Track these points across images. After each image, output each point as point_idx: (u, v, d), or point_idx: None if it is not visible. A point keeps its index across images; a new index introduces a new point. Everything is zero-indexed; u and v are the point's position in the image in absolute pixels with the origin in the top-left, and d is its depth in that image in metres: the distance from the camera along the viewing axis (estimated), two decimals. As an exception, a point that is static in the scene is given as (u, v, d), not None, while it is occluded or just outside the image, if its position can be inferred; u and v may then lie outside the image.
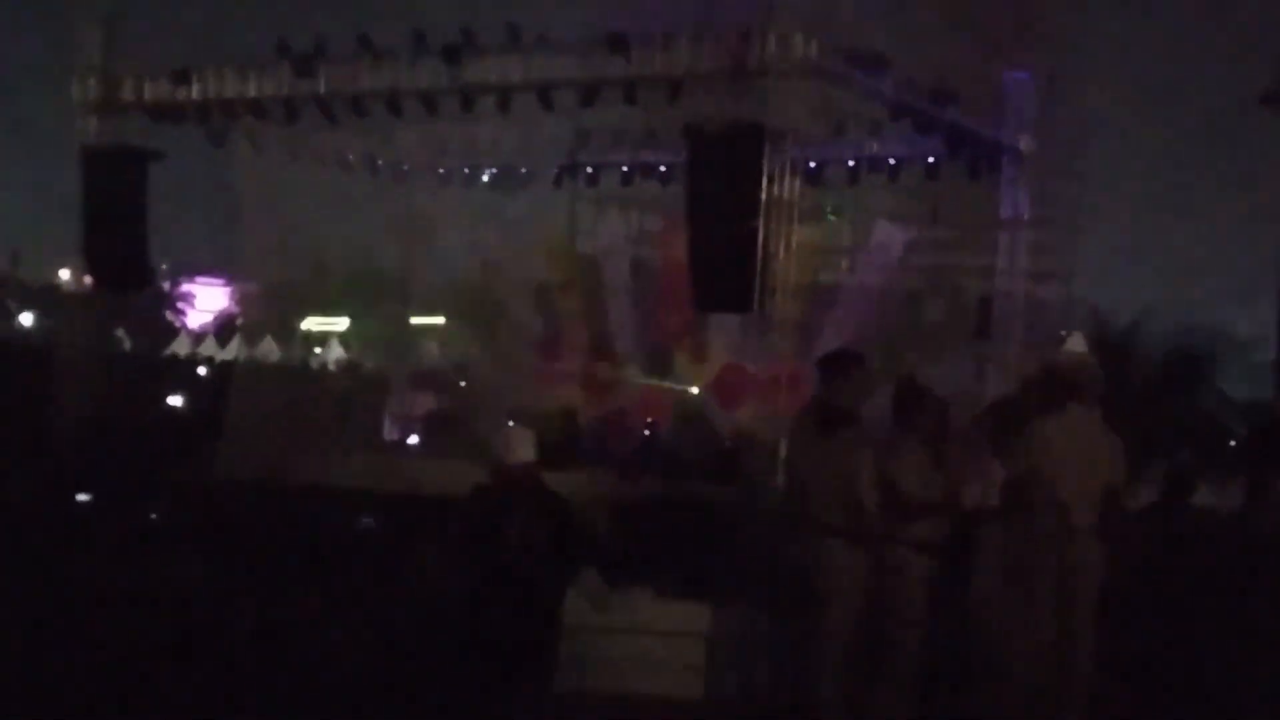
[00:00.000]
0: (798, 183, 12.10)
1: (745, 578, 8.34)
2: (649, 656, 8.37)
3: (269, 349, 24.06)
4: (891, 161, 15.23)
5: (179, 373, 27.84)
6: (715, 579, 8.71)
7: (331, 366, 28.85)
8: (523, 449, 6.21)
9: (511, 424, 7.43)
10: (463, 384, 20.11)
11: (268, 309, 21.77)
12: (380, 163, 17.66)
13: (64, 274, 29.02)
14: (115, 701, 6.50)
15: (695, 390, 17.06)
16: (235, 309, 47.04)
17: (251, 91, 14.58)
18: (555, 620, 6.44)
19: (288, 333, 23.14)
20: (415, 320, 21.61)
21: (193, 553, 9.91)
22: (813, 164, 14.45)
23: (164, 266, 42.05)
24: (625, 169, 16.86)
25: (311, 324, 24.54)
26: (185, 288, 56.54)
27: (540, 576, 6.12)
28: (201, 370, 27.91)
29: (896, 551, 6.87)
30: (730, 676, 8.17)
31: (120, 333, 31.78)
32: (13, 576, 8.75)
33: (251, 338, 23.91)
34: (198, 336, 44.39)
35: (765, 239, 11.47)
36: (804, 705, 7.15)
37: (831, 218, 17.64)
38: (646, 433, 16.65)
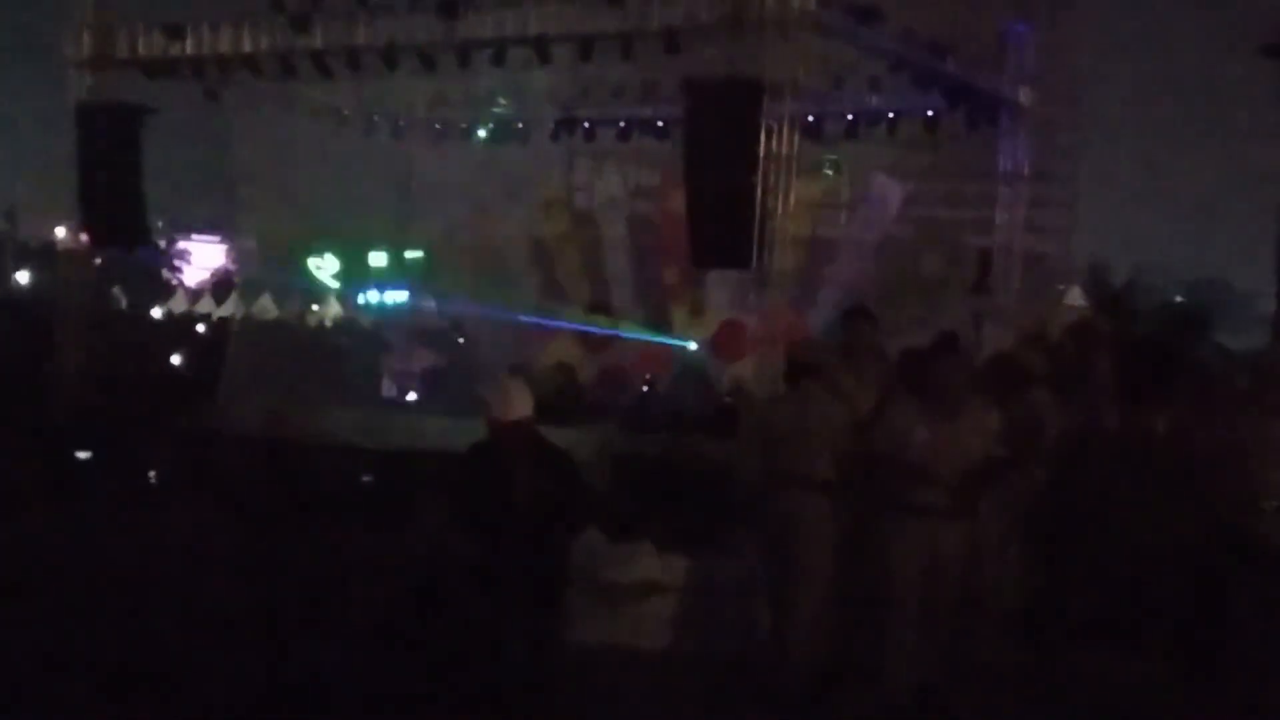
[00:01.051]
0: (796, 137, 12.06)
1: (742, 532, 8.37)
2: (649, 611, 8.43)
3: (266, 305, 24.08)
4: (890, 115, 15.16)
5: (177, 330, 27.83)
6: (714, 533, 8.76)
7: (329, 323, 28.83)
8: (519, 403, 6.13)
9: (505, 377, 7.37)
10: (460, 340, 20.12)
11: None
12: (376, 118, 17.62)
13: (60, 231, 28.87)
14: (115, 654, 6.54)
15: (693, 345, 17.09)
16: (232, 266, 46.98)
17: (246, 46, 14.49)
18: (561, 574, 6.45)
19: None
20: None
21: (191, 506, 9.96)
22: (811, 118, 14.39)
23: (160, 224, 41.92)
24: (622, 123, 16.79)
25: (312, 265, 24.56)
26: (181, 245, 56.36)
27: (543, 531, 6.13)
28: (199, 327, 27.89)
29: (882, 511, 6.79)
30: (728, 630, 8.22)
31: (117, 290, 31.75)
32: (14, 532, 8.81)
33: (248, 295, 23.95)
34: (195, 294, 44.34)
35: (764, 194, 11.43)
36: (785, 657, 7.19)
37: (829, 173, 17.61)
38: (645, 388, 16.69)
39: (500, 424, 6.05)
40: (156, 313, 35.44)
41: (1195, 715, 6.44)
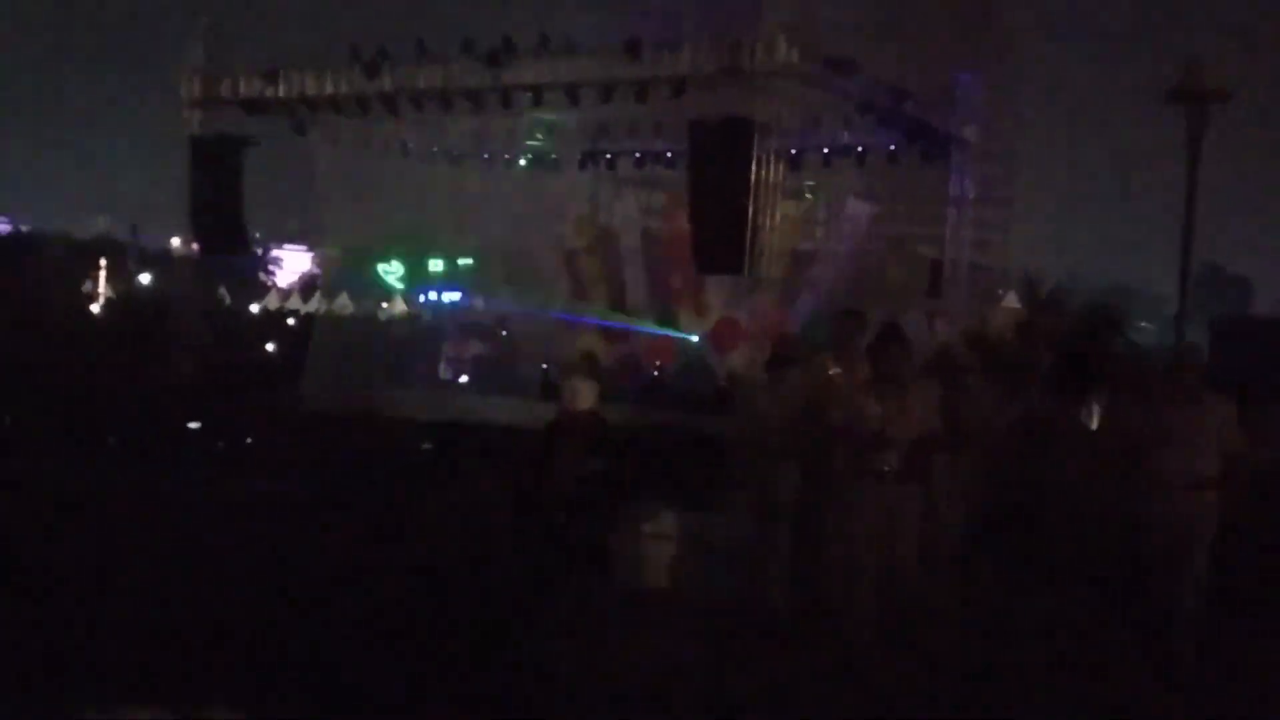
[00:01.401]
0: (781, 167, 12.02)
1: (733, 493, 8.32)
2: (654, 557, 8.41)
3: (344, 303, 24.09)
4: (859, 149, 15.12)
5: (270, 323, 27.85)
6: (710, 494, 8.71)
7: (396, 318, 28.81)
8: (585, 398, 6.33)
9: (576, 379, 7.34)
10: (504, 333, 20.10)
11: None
12: (435, 149, 17.60)
13: (175, 242, 28.90)
14: (218, 585, 6.52)
15: (695, 339, 17.05)
16: (316, 270, 47.02)
17: (328, 89, 14.52)
18: (611, 528, 6.48)
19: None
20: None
21: (281, 466, 9.95)
22: (793, 151, 14.36)
23: (257, 235, 41.91)
24: (638, 155, 16.78)
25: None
26: (275, 253, 56.39)
27: (598, 494, 6.20)
28: (289, 321, 27.89)
29: (846, 476, 6.68)
30: (719, 574, 8.16)
31: (222, 290, 31.73)
32: (139, 490, 8.81)
33: (330, 294, 23.96)
34: (285, 293, 44.35)
35: (754, 213, 11.42)
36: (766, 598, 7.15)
37: (808, 196, 17.53)
38: (655, 374, 16.65)
39: (570, 413, 6.24)
40: (254, 309, 35.47)
41: (1101, 634, 6.48)
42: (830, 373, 7.34)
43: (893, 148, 14.77)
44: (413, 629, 5.93)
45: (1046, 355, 7.54)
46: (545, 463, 6.26)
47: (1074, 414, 7.07)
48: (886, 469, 6.47)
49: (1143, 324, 38.29)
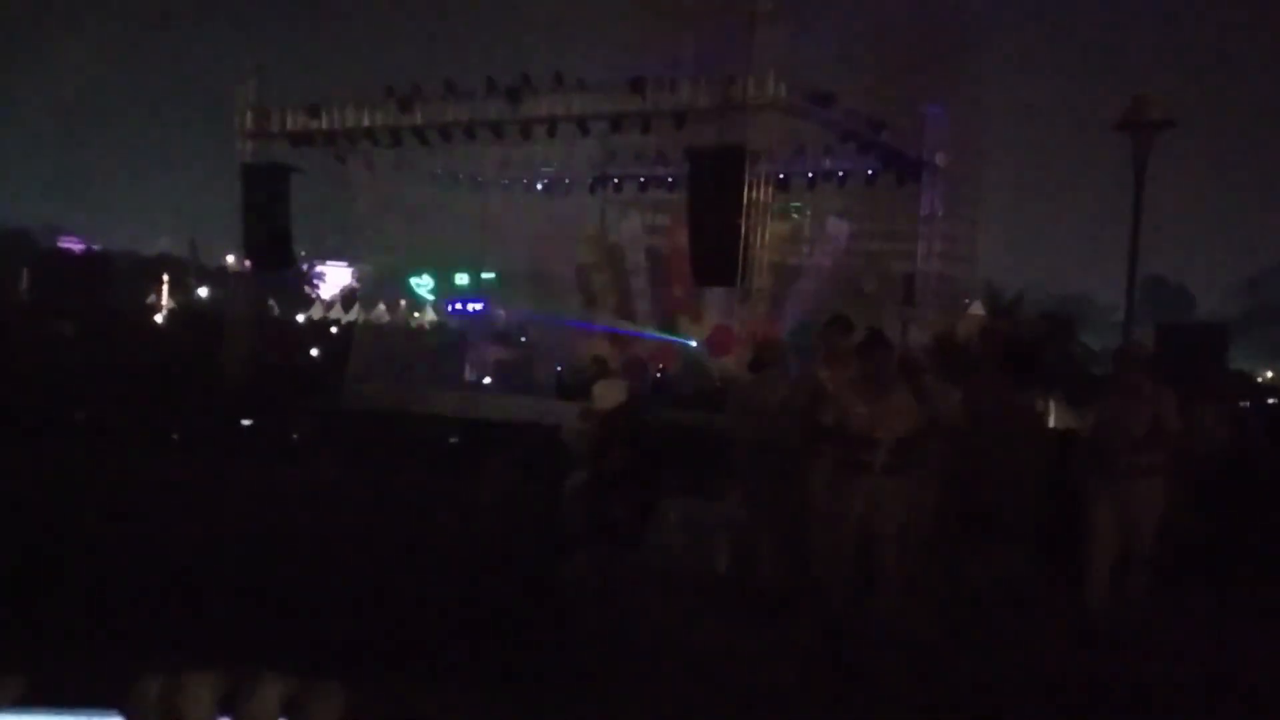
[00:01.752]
0: (770, 190, 12.02)
1: (726, 480, 8.32)
2: (658, 539, 8.40)
3: (380, 313, 24.12)
4: (840, 173, 15.13)
5: (315, 331, 27.86)
6: (706, 482, 8.70)
7: (426, 325, 28.82)
8: (608, 398, 6.36)
9: (599, 383, 7.32)
10: (523, 339, 20.12)
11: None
12: (461, 176, 17.63)
13: (230, 258, 29.00)
14: (272, 565, 6.53)
15: (694, 343, 17.04)
16: (355, 284, 47.07)
17: (366, 122, 14.55)
18: (640, 513, 6.50)
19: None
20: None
21: (326, 461, 9.96)
22: (781, 175, 14.37)
23: (302, 253, 41.95)
24: (642, 179, 16.79)
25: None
26: (318, 268, 56.42)
27: (631, 485, 6.23)
28: (332, 329, 27.91)
29: (833, 469, 6.65)
30: (714, 554, 8.15)
31: (271, 302, 31.78)
32: (198, 480, 8.84)
33: (368, 305, 23.98)
34: (328, 304, 44.43)
35: (746, 231, 11.42)
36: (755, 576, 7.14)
37: (795, 216, 17.53)
38: (658, 374, 16.65)
39: (595, 413, 6.28)
40: (300, 318, 35.49)
41: (1048, 586, 6.52)
42: (821, 376, 7.32)
43: (870, 172, 14.77)
44: (452, 594, 5.94)
45: (1007, 357, 7.51)
46: (588, 457, 6.32)
47: (1032, 408, 7.05)
48: (874, 463, 6.46)
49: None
